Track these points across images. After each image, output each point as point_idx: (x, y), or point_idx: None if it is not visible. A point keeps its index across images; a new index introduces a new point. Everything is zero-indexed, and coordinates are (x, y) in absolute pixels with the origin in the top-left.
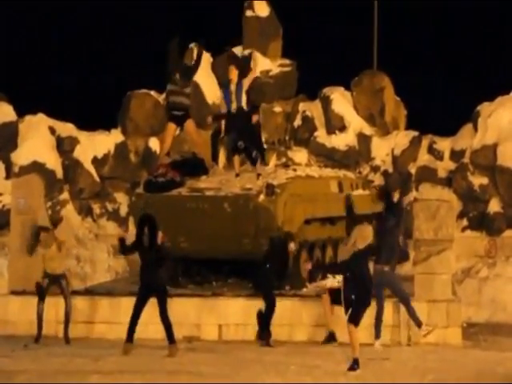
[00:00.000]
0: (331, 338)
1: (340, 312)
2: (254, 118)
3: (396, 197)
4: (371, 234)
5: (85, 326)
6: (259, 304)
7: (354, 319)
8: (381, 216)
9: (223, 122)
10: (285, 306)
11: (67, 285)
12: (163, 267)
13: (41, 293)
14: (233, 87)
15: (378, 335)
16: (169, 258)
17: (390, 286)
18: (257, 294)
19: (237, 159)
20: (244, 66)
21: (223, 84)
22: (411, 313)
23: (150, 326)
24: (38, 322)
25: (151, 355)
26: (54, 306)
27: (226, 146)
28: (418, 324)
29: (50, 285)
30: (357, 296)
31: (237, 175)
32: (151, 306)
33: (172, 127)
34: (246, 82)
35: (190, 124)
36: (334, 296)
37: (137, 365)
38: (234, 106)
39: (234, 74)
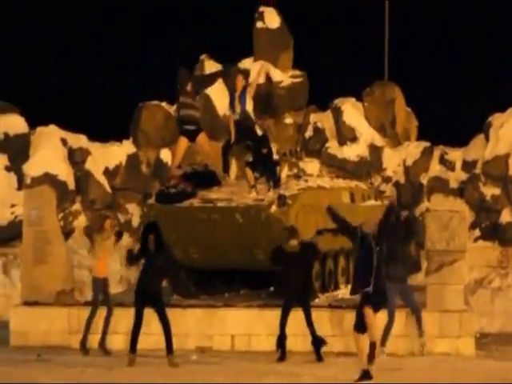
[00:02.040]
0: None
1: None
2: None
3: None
4: None
5: (97, 336)
6: (272, 314)
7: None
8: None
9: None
10: (297, 316)
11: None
12: (164, 276)
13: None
14: (237, 95)
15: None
16: (173, 268)
17: (403, 296)
18: (269, 305)
19: (249, 171)
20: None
21: (230, 95)
22: (420, 322)
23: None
24: (86, 328)
25: (164, 365)
26: (67, 317)
27: (237, 154)
28: (420, 333)
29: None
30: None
31: (252, 186)
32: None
33: (184, 141)
34: (250, 89)
35: (202, 136)
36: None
37: (149, 375)
38: (238, 111)
39: (239, 83)
